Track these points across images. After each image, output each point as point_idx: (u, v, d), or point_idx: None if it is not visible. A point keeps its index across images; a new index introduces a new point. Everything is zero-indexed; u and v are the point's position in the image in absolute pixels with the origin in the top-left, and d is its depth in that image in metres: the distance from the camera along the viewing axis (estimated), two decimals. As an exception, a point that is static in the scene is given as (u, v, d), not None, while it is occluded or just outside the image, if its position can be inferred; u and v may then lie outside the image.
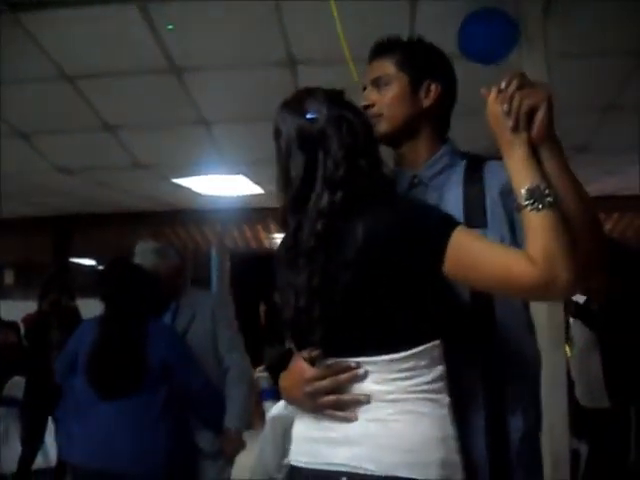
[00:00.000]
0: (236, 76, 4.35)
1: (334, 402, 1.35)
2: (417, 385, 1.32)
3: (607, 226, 9.24)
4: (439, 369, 1.36)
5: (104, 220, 9.66)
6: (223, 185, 7.21)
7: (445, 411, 1.34)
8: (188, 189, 7.45)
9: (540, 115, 1.31)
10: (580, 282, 1.25)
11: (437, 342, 1.36)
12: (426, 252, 1.31)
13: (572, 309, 4.13)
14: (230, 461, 3.17)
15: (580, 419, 4.21)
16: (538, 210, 1.24)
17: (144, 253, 3.20)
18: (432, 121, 1.65)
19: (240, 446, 3.11)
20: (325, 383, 1.37)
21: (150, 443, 2.72)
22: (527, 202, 1.25)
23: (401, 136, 1.64)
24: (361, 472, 1.29)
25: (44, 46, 3.97)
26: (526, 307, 1.58)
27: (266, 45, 4.04)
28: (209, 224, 9.53)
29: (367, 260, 1.33)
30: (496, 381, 1.46)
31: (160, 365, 2.77)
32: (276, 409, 3.77)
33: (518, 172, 1.30)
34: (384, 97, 1.62)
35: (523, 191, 1.26)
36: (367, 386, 1.34)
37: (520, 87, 1.32)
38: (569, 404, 3.34)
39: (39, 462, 5.68)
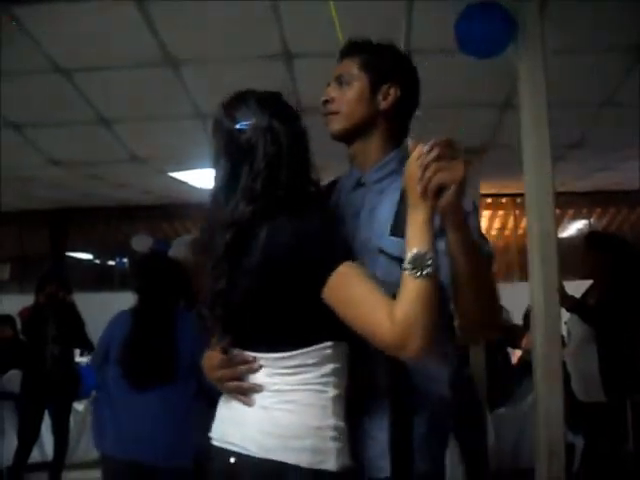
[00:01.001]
0: (232, 70, 4.34)
1: (235, 388, 1.50)
2: (301, 380, 1.44)
3: (603, 221, 9.28)
4: (329, 367, 1.45)
5: (101, 214, 9.66)
6: (219, 179, 7.19)
7: (326, 402, 1.44)
8: (185, 183, 7.44)
9: (448, 194, 1.33)
10: (429, 351, 1.32)
11: (328, 344, 1.44)
12: (311, 274, 1.39)
13: (569, 303, 4.13)
14: None
15: (576, 413, 4.22)
16: (416, 277, 1.30)
17: (178, 247, 3.19)
18: (387, 124, 1.68)
19: None
20: (227, 372, 1.52)
21: (180, 435, 2.74)
22: (408, 266, 1.32)
23: (354, 135, 1.68)
24: (245, 452, 1.42)
25: (39, 39, 3.96)
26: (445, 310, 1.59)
27: (262, 39, 4.04)
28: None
29: (263, 270, 1.43)
30: (402, 379, 1.52)
31: (189, 358, 2.78)
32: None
33: (411, 235, 1.35)
34: (343, 95, 1.67)
35: (409, 254, 1.32)
36: (260, 377, 1.47)
37: (438, 158, 1.33)
38: (565, 398, 3.34)
39: (35, 456, 5.67)
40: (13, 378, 6.02)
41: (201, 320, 1.59)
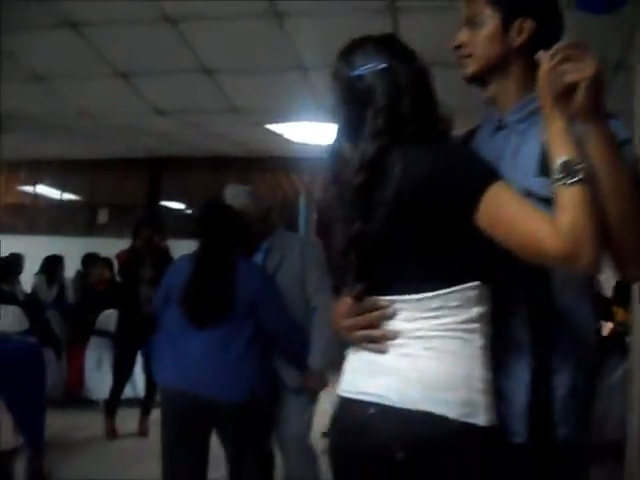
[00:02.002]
0: (335, 22, 4.29)
1: (366, 336, 1.43)
2: (446, 324, 1.36)
3: None
4: (474, 311, 1.37)
5: (194, 164, 9.83)
6: (316, 133, 7.20)
7: (475, 352, 1.36)
8: (280, 136, 7.48)
9: (579, 94, 1.27)
10: (600, 264, 1.26)
11: (474, 284, 1.37)
12: (460, 200, 1.32)
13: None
14: (313, 398, 3.24)
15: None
16: (568, 185, 1.24)
17: (235, 195, 3.26)
18: (524, 61, 1.55)
19: (322, 384, 3.17)
20: (358, 319, 1.45)
21: (235, 371, 2.86)
22: (559, 175, 1.25)
23: (489, 76, 1.58)
24: (387, 403, 1.35)
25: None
26: None
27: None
28: (298, 172, 9.57)
29: (401, 203, 1.36)
30: (546, 332, 1.42)
31: (247, 301, 2.89)
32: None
33: (554, 144, 1.29)
34: (475, 37, 1.57)
35: (556, 164, 1.26)
36: (398, 323, 1.40)
37: (563, 61, 1.27)
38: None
39: (128, 392, 5.93)
40: (109, 317, 6.27)
41: (334, 270, 1.53)
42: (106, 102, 6.57)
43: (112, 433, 5.48)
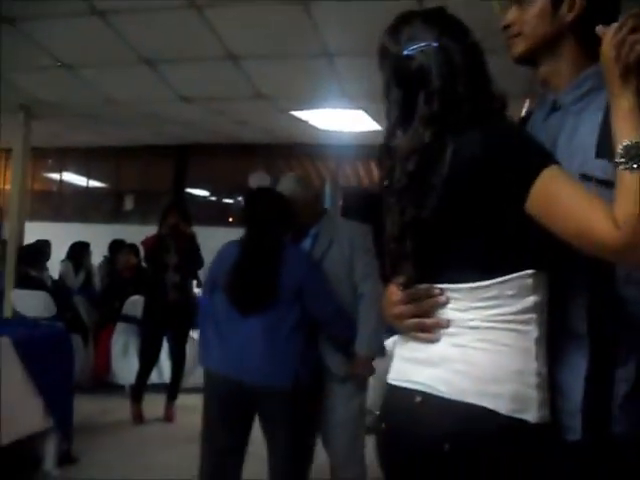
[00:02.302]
0: (362, 8, 4.25)
1: (416, 325, 1.39)
2: (500, 315, 1.30)
3: None
4: (530, 300, 1.31)
5: (219, 151, 9.85)
6: (341, 120, 7.18)
7: (530, 344, 1.30)
8: (306, 122, 7.47)
9: None
10: None
11: (529, 272, 1.30)
12: (511, 185, 1.27)
13: None
14: (361, 386, 3.21)
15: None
16: (632, 170, 1.16)
17: (285, 182, 3.29)
18: (577, 38, 1.46)
19: (369, 371, 3.16)
20: (409, 307, 1.41)
21: (279, 358, 2.87)
22: (621, 159, 1.17)
23: (540, 55, 1.50)
24: (434, 393, 1.31)
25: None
26: None
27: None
28: (323, 159, 9.56)
29: (452, 187, 1.32)
30: (607, 324, 1.33)
31: (293, 288, 2.91)
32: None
33: (619, 125, 1.21)
34: (523, 15, 1.49)
35: (619, 146, 1.18)
36: (450, 312, 1.35)
37: (634, 30, 1.19)
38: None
39: (154, 378, 5.98)
40: (136, 303, 6.31)
41: (386, 257, 1.46)
42: (132, 89, 6.61)
43: (139, 418, 5.53)
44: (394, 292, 1.46)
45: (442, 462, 1.29)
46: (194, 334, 6.30)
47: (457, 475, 1.29)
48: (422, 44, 1.40)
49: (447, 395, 1.30)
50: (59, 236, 8.11)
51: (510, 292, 1.30)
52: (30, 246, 7.11)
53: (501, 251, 1.32)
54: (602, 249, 1.17)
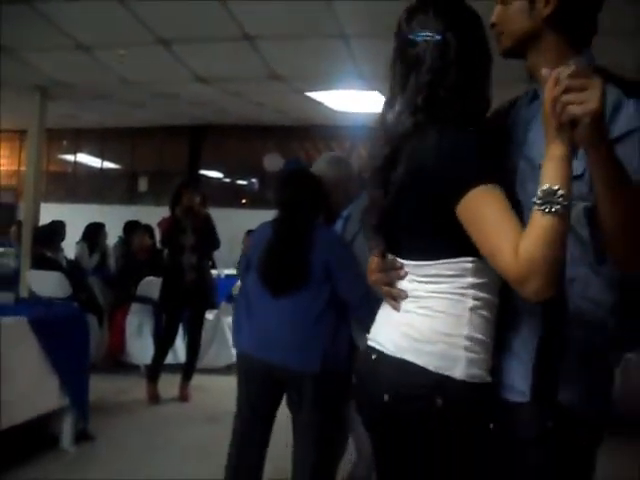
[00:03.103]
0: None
1: (386, 292, 1.60)
2: (438, 289, 1.47)
3: None
4: (467, 281, 1.45)
5: (234, 132, 9.84)
6: (357, 101, 7.14)
7: (463, 312, 1.45)
8: (321, 104, 7.43)
9: (580, 128, 1.24)
10: (550, 292, 1.29)
11: (469, 259, 1.44)
12: (447, 189, 1.40)
13: None
14: None
15: None
16: (544, 213, 1.25)
17: (318, 163, 3.25)
18: (556, 31, 1.52)
19: None
20: (380, 276, 1.63)
21: (308, 341, 2.85)
22: (539, 201, 1.26)
23: (523, 50, 1.58)
24: (384, 351, 1.53)
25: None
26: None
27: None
28: (338, 141, 9.54)
29: (407, 181, 1.47)
30: (558, 299, 1.40)
31: (322, 268, 2.88)
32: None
33: (545, 169, 1.28)
34: (505, 13, 1.57)
35: (540, 188, 1.26)
36: (405, 284, 1.55)
37: (566, 91, 1.22)
38: None
39: (169, 358, 6.00)
40: (150, 284, 6.34)
41: (364, 228, 1.66)
42: (147, 70, 6.60)
43: (155, 398, 5.55)
44: (373, 260, 1.69)
45: (383, 411, 1.50)
46: (209, 315, 6.35)
47: (395, 423, 1.49)
48: (427, 34, 1.50)
49: (392, 352, 1.51)
50: (73, 217, 8.13)
51: (449, 272, 1.47)
52: (45, 227, 7.14)
53: (445, 239, 1.47)
54: (504, 275, 1.33)
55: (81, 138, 11.15)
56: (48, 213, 7.62)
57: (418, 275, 1.51)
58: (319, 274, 2.88)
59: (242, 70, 6.40)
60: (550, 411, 1.45)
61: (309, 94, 7.11)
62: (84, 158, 11.35)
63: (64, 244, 7.44)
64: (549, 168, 1.27)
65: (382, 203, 1.55)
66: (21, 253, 7.37)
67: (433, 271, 1.48)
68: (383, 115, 1.56)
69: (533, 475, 1.48)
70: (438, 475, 1.47)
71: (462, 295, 1.45)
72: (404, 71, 1.52)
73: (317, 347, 2.84)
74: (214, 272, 6.98)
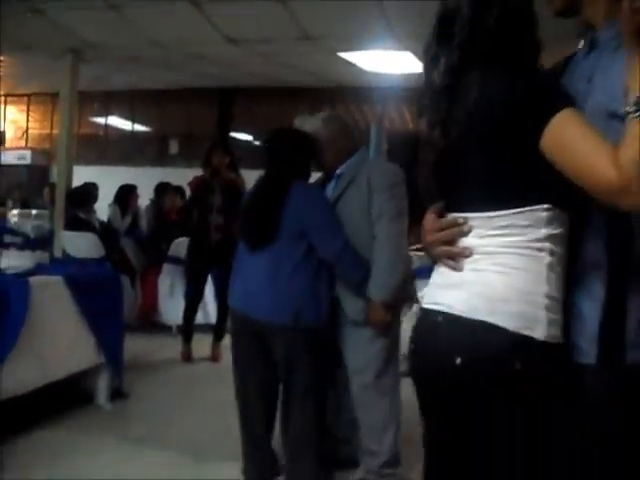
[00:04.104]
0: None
1: (445, 252, 1.49)
2: (513, 242, 1.39)
3: None
4: (542, 232, 1.38)
5: (264, 94, 9.79)
6: (389, 62, 7.05)
7: (541, 268, 1.38)
8: (352, 64, 7.35)
9: None
10: None
11: (544, 206, 1.38)
12: (528, 123, 1.34)
13: None
14: (380, 332, 3.03)
15: None
16: (638, 119, 1.22)
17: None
18: None
19: (384, 318, 2.97)
20: (438, 235, 1.51)
21: (280, 295, 2.90)
22: (632, 109, 1.23)
23: (578, 5, 1.51)
24: (455, 313, 1.41)
25: None
26: None
27: None
28: (369, 103, 9.45)
29: (476, 117, 1.40)
30: (623, 257, 1.39)
31: (296, 225, 2.91)
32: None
33: (632, 78, 1.26)
34: None
35: (633, 97, 1.24)
36: (470, 240, 1.45)
37: None
38: None
39: (199, 318, 6.07)
40: (182, 245, 6.37)
41: (421, 191, 1.57)
42: (177, 30, 6.55)
43: (187, 358, 5.64)
44: (427, 221, 1.57)
45: (456, 376, 1.39)
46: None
47: (468, 388, 1.39)
48: None
49: (463, 314, 1.40)
50: (105, 180, 8.17)
51: (523, 222, 1.38)
52: (78, 189, 7.19)
53: (517, 185, 1.39)
54: (599, 189, 1.26)
55: (112, 101, 11.18)
56: (80, 175, 7.66)
57: (488, 228, 1.42)
58: (293, 230, 2.91)
59: (273, 31, 6.33)
60: (617, 373, 1.39)
61: (341, 54, 7.03)
62: (115, 121, 11.39)
63: (96, 206, 7.51)
64: (636, 75, 1.25)
65: (442, 145, 1.47)
66: (54, 215, 7.45)
67: (505, 222, 1.39)
68: (430, 56, 1.52)
69: (601, 438, 1.41)
70: (519, 441, 1.40)
71: (538, 250, 1.39)
72: (448, 20, 1.48)
73: (290, 301, 2.87)
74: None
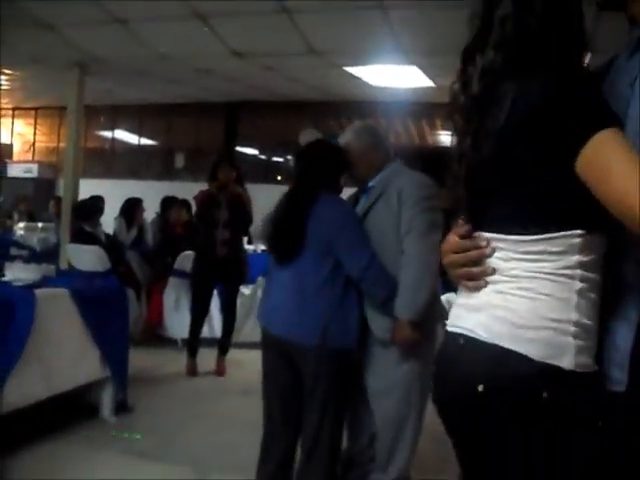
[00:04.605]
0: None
1: (464, 273, 1.41)
2: (541, 268, 1.30)
3: None
4: (574, 259, 1.29)
5: (269, 108, 9.82)
6: (394, 76, 7.07)
7: (570, 295, 1.29)
8: (358, 79, 7.37)
9: None
10: None
11: (578, 232, 1.28)
12: (564, 141, 1.23)
13: None
14: (410, 352, 2.92)
15: None
16: None
17: (347, 132, 3.16)
18: None
19: (411, 337, 2.84)
20: (456, 257, 1.44)
21: (309, 311, 2.79)
22: None
23: None
24: (475, 337, 1.35)
25: None
26: None
27: None
28: (375, 117, 9.46)
29: (508, 131, 1.30)
30: None
31: (322, 240, 2.82)
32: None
33: None
34: None
35: None
36: (495, 262, 1.36)
37: None
38: None
39: (205, 332, 6.06)
40: (188, 258, 6.37)
41: (448, 206, 1.50)
42: (183, 45, 6.59)
43: (193, 372, 5.62)
44: (448, 241, 1.48)
45: (477, 403, 1.32)
46: (245, 290, 6.37)
47: (490, 416, 1.32)
48: None
49: (485, 339, 1.33)
50: (111, 193, 8.20)
51: (555, 249, 1.29)
52: (85, 202, 7.22)
53: (550, 208, 1.29)
54: (629, 218, 1.16)
55: (118, 114, 11.24)
56: (86, 189, 7.69)
57: (516, 252, 1.32)
58: (319, 244, 2.82)
59: (279, 45, 6.36)
60: None
61: (347, 69, 7.06)
62: (121, 134, 11.45)
63: (101, 220, 7.52)
64: None
65: (472, 158, 1.37)
66: (60, 228, 7.47)
67: (535, 248, 1.30)
68: (466, 62, 1.41)
69: (629, 465, 1.33)
70: (542, 471, 1.31)
71: (569, 277, 1.29)
72: (485, 9, 1.37)
73: (316, 320, 2.77)
74: (250, 247, 7.00)
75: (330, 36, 5.97)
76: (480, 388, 1.31)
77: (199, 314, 5.87)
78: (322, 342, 2.74)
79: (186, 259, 6.42)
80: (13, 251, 7.23)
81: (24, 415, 3.47)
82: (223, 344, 5.82)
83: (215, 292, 6.01)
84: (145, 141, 11.30)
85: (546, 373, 1.27)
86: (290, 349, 2.84)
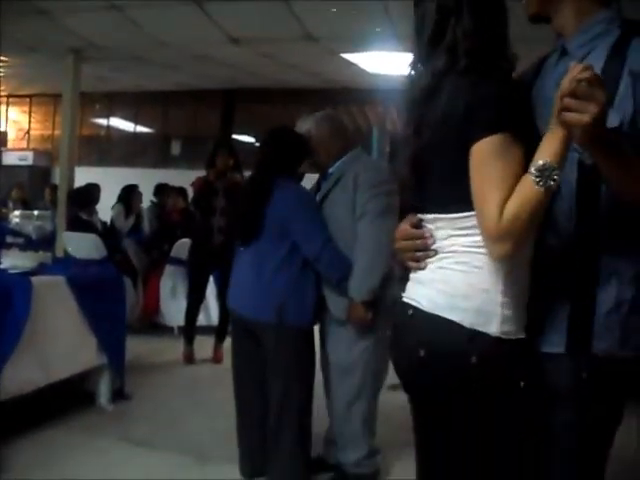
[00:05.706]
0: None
1: (410, 257, 1.60)
2: (474, 242, 1.46)
3: None
4: None
5: (266, 95, 9.78)
6: (392, 63, 7.03)
7: (500, 267, 1.44)
8: (355, 66, 7.35)
9: (576, 133, 1.28)
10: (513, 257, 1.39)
11: None
12: (467, 135, 1.41)
13: None
14: (365, 332, 3.04)
15: None
16: (538, 185, 1.31)
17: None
18: None
19: (364, 317, 2.98)
20: (405, 244, 1.62)
21: (266, 290, 2.96)
22: (535, 172, 1.31)
23: (549, 13, 1.59)
24: (420, 307, 1.53)
25: None
26: None
27: None
28: (372, 104, 9.44)
29: (440, 125, 1.47)
30: (592, 248, 1.46)
31: (278, 224, 2.97)
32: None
33: (548, 143, 1.32)
34: None
35: (539, 161, 1.31)
36: (437, 242, 1.54)
37: (573, 94, 1.24)
38: None
39: (202, 320, 6.05)
40: (184, 246, 6.36)
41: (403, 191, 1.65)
42: (179, 30, 6.55)
43: (189, 359, 5.62)
44: (400, 229, 1.66)
45: (420, 366, 1.51)
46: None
47: (431, 379, 1.50)
48: None
49: (427, 309, 1.51)
50: (107, 181, 8.15)
51: None
52: (80, 189, 7.19)
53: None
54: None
55: (114, 102, 11.19)
56: (81, 177, 7.67)
57: (454, 229, 1.50)
58: (275, 228, 2.97)
59: (276, 31, 6.33)
60: (585, 362, 1.46)
61: (343, 55, 7.03)
62: (117, 122, 11.40)
63: (97, 207, 7.49)
64: (552, 144, 1.31)
65: (415, 145, 1.54)
66: (56, 216, 7.44)
67: (469, 223, 1.46)
68: (417, 59, 1.61)
69: (565, 427, 1.49)
70: (473, 432, 1.48)
71: None
72: (441, 19, 1.53)
73: (273, 299, 2.93)
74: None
75: (327, 23, 5.94)
76: (422, 353, 1.49)
77: (195, 301, 5.87)
78: (279, 320, 2.92)
79: (182, 247, 6.41)
80: (9, 239, 7.19)
81: (21, 403, 3.47)
82: (220, 331, 5.80)
83: (211, 279, 5.99)
84: (141, 128, 11.26)
85: (475, 339, 1.44)
86: (252, 326, 3.02)
